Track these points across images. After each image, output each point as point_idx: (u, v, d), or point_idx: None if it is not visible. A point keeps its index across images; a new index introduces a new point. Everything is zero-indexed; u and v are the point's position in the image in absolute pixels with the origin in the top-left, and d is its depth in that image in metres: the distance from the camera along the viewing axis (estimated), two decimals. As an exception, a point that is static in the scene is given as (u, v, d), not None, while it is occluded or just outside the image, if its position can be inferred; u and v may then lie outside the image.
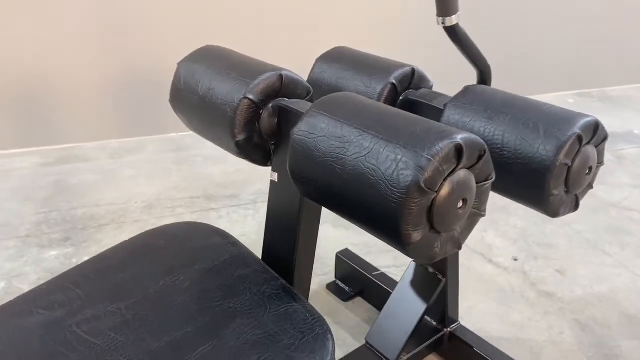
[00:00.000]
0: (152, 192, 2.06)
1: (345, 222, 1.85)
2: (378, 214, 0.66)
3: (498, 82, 2.75)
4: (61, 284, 0.89)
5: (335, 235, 1.83)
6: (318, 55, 1.19)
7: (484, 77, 1.09)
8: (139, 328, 0.80)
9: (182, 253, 0.94)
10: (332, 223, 1.90)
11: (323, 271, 1.65)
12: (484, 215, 0.75)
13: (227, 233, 1.02)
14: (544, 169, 0.82)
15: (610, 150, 2.51)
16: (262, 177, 2.15)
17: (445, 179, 0.65)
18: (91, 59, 2.30)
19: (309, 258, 0.95)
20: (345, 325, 1.46)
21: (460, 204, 0.68)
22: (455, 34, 1.00)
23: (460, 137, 0.65)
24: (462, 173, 0.67)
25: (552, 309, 1.54)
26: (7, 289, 1.55)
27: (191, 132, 2.45)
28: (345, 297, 1.57)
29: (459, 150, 0.64)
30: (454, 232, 0.71)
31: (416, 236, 0.65)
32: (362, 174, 0.67)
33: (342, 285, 1.59)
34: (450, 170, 0.65)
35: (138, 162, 2.29)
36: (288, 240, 0.92)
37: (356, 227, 1.58)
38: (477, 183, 0.70)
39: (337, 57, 1.16)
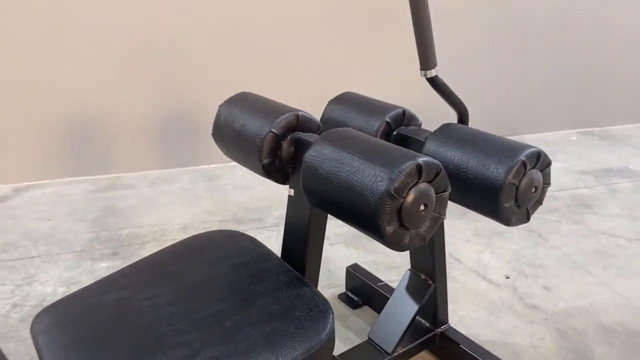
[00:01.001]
0: (187, 216, 2.34)
1: (355, 243, 2.11)
2: (363, 214, 0.92)
3: (506, 120, 3.08)
4: (124, 273, 1.17)
5: (347, 254, 2.07)
6: (331, 97, 1.48)
7: (462, 117, 1.35)
8: (187, 303, 1.06)
9: (219, 251, 1.21)
10: (344, 243, 2.15)
11: (335, 283, 1.89)
12: (443, 218, 0.99)
13: (254, 238, 1.28)
14: (497, 187, 1.07)
15: (605, 184, 2.72)
16: (283, 203, 2.42)
17: (410, 189, 0.91)
18: (135, 100, 2.63)
19: (317, 255, 1.20)
20: (353, 328, 1.69)
21: (422, 208, 0.93)
22: (435, 83, 1.26)
23: (421, 160, 0.91)
24: (423, 185, 0.92)
25: (536, 319, 1.74)
26: (66, 293, 1.83)
27: (221, 164, 2.78)
28: (354, 305, 1.80)
29: (419, 169, 0.90)
30: (419, 229, 0.96)
31: (389, 229, 0.90)
32: (351, 185, 0.93)
33: (352, 296, 1.83)
34: (413, 183, 0.91)
35: (174, 190, 2.59)
36: (301, 241, 1.18)
37: (365, 247, 1.85)
38: (436, 193, 0.95)
39: (345, 100, 1.44)
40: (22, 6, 2.33)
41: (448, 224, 2.28)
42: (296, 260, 1.19)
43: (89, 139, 2.64)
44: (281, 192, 2.36)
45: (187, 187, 2.63)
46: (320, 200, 1.05)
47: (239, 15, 2.63)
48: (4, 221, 2.27)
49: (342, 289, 1.86)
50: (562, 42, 3.29)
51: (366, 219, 0.92)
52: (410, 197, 0.91)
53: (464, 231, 2.26)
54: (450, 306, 1.74)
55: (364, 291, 1.79)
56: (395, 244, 0.93)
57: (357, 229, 0.98)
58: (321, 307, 1.04)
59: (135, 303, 1.07)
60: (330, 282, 1.91)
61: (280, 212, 2.38)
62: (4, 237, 2.15)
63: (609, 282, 1.93)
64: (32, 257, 2.01)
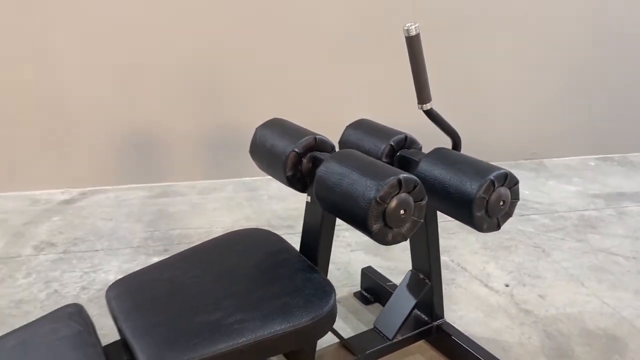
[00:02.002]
0: (229, 220, 2.67)
1: (374, 250, 2.38)
2: (357, 215, 1.21)
3: (525, 144, 3.34)
4: (176, 258, 1.49)
5: (365, 259, 2.34)
6: (349, 122, 1.77)
7: (456, 143, 1.62)
8: (222, 281, 1.37)
9: (250, 244, 1.52)
10: (364, 250, 2.43)
11: (352, 283, 2.17)
12: (421, 222, 1.26)
13: (279, 235, 1.59)
14: (470, 200, 1.33)
15: (614, 207, 2.90)
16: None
17: (392, 197, 1.19)
18: (188, 118, 3.01)
19: (327, 249, 1.49)
20: (364, 321, 1.96)
21: (402, 212, 1.21)
22: (430, 114, 1.54)
23: (401, 175, 1.19)
24: (403, 195, 1.20)
25: (527, 322, 1.97)
26: (126, 280, 2.18)
27: (260, 177, 3.12)
28: (366, 302, 2.07)
29: (399, 182, 1.19)
30: (400, 228, 1.23)
31: (375, 227, 1.19)
32: (350, 193, 1.22)
33: (365, 294, 2.10)
34: (395, 193, 1.19)
35: (219, 198, 2.94)
36: (314, 238, 1.48)
37: (382, 254, 2.13)
38: (414, 201, 1.23)
39: (359, 125, 1.73)
40: (104, 33, 2.75)
41: (460, 237, 2.54)
42: (310, 253, 1.49)
43: (146, 151, 3.03)
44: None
45: (230, 195, 2.97)
46: (328, 205, 1.34)
47: (276, 53, 2.98)
48: (74, 220, 2.66)
49: (358, 288, 2.14)
50: (583, 69, 3.48)
51: (359, 219, 1.21)
52: (393, 204, 1.20)
53: (474, 244, 2.50)
54: (451, 307, 2.00)
55: (376, 290, 2.06)
56: (380, 240, 1.22)
57: (354, 227, 1.27)
58: (326, 289, 1.33)
59: (184, 280, 1.39)
60: (348, 282, 2.19)
61: (309, 221, 2.68)
62: (74, 232, 2.53)
63: (600, 293, 2.14)
64: (96, 250, 2.38)
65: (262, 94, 3.03)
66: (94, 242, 2.44)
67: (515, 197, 1.41)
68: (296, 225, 2.64)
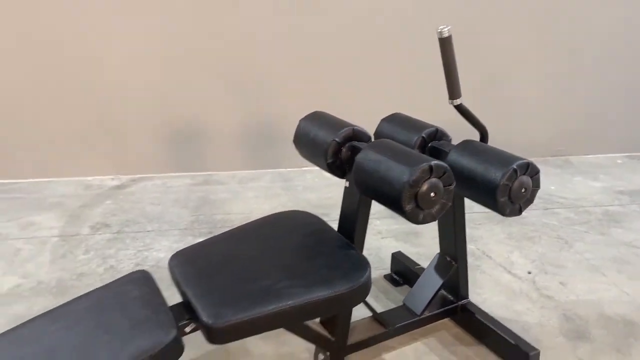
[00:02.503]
0: (267, 207, 2.85)
1: (404, 237, 2.53)
2: (392, 197, 1.36)
3: (552, 141, 3.44)
4: (229, 233, 1.67)
5: (396, 245, 2.49)
6: (384, 116, 1.92)
7: (483, 136, 1.76)
8: (270, 255, 1.54)
9: (293, 223, 1.70)
10: (394, 237, 2.58)
11: (383, 267, 2.32)
12: (450, 204, 1.41)
13: (318, 217, 1.75)
14: (495, 186, 1.48)
15: (639, 203, 2.98)
16: (346, 203, 2.89)
17: (424, 181, 1.34)
18: (229, 112, 3.20)
19: (363, 229, 1.65)
20: (394, 301, 2.11)
21: (432, 195, 1.36)
22: (460, 109, 1.68)
23: (432, 162, 1.34)
24: (434, 180, 1.35)
25: (548, 306, 2.10)
26: (174, 259, 2.37)
27: (296, 169, 3.29)
28: (396, 284, 2.23)
29: (431, 168, 1.34)
30: (431, 210, 1.39)
31: (408, 208, 1.34)
32: (385, 178, 1.38)
33: (395, 276, 2.26)
34: (426, 177, 1.34)
35: (257, 187, 3.12)
36: (352, 219, 1.64)
37: (412, 241, 2.28)
38: (444, 186, 1.38)
39: (393, 119, 1.88)
40: (155, 28, 2.96)
41: (486, 227, 2.67)
42: (348, 233, 1.65)
43: (191, 142, 3.23)
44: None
45: (267, 185, 3.16)
46: (365, 189, 1.50)
47: (314, 49, 3.15)
48: (125, 204, 2.88)
49: (388, 271, 2.29)
50: (612, 66, 3.55)
51: (394, 200, 1.37)
52: (424, 187, 1.35)
53: (499, 234, 2.63)
54: (476, 290, 2.14)
55: (405, 273, 2.21)
56: (413, 219, 1.37)
57: (388, 208, 1.43)
58: (362, 263, 1.49)
59: (236, 252, 1.57)
60: (380, 265, 2.34)
61: (342, 210, 2.84)
62: (126, 215, 2.75)
63: (619, 283, 2.25)
64: (148, 231, 2.59)
65: (299, 89, 3.20)
66: (145, 224, 2.65)
67: (536, 185, 1.54)
68: (330, 213, 2.80)
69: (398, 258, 2.25)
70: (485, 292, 2.17)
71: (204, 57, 3.05)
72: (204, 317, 1.31)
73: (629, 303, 2.12)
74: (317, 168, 3.29)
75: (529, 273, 2.31)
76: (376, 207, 2.78)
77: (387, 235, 2.60)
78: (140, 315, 1.34)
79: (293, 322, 1.45)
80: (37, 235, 2.52)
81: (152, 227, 2.62)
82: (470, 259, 2.35)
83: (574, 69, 3.51)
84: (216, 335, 1.32)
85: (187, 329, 1.38)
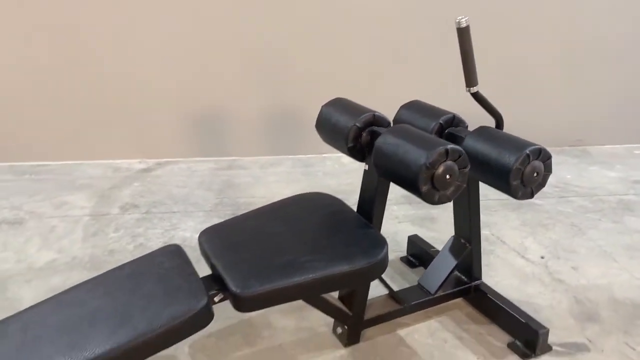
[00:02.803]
0: (288, 192, 2.94)
1: (420, 222, 2.62)
2: (409, 179, 1.44)
3: (570, 131, 3.48)
4: (255, 212, 1.77)
5: (412, 229, 2.57)
6: (403, 103, 2.00)
7: (499, 122, 1.82)
8: (293, 232, 1.64)
9: (315, 204, 1.79)
10: (411, 222, 2.66)
11: (399, 249, 2.41)
12: (464, 186, 1.49)
13: (338, 198, 1.85)
14: (508, 170, 1.55)
15: (654, 192, 3.02)
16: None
17: (440, 164, 1.42)
18: (251, 99, 3.30)
19: (381, 210, 1.73)
20: (409, 281, 2.20)
21: (448, 177, 1.44)
22: (477, 96, 1.75)
23: (448, 146, 1.42)
24: (449, 162, 1.43)
25: (559, 289, 2.17)
26: (200, 238, 2.49)
27: (315, 155, 3.38)
28: (412, 266, 2.31)
29: (446, 151, 1.42)
30: (446, 191, 1.47)
31: (424, 189, 1.42)
32: (403, 160, 1.46)
33: (411, 259, 2.34)
34: (442, 160, 1.42)
35: (278, 172, 3.22)
36: (370, 200, 1.72)
37: (427, 226, 2.35)
38: (459, 169, 1.46)
39: (412, 106, 1.96)
40: (182, 16, 3.06)
41: (501, 214, 2.73)
42: (367, 213, 1.74)
43: (215, 128, 3.34)
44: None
45: (288, 170, 3.26)
46: (384, 171, 1.59)
47: (338, 39, 3.22)
48: (152, 186, 3.00)
49: (405, 254, 2.38)
50: (631, 58, 3.56)
51: (411, 182, 1.45)
52: (440, 169, 1.43)
53: (514, 221, 2.69)
54: (489, 273, 2.22)
55: (420, 255, 2.30)
56: (428, 199, 1.46)
57: (405, 189, 1.51)
58: (380, 241, 1.58)
59: (262, 229, 1.67)
60: (396, 248, 2.42)
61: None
62: (153, 197, 2.87)
63: (630, 268, 2.30)
64: (174, 212, 2.71)
65: (321, 77, 3.28)
66: (171, 206, 2.77)
67: (548, 170, 1.61)
68: (349, 198, 2.85)
69: (414, 241, 2.34)
70: (499, 275, 2.24)
71: (230, 44, 3.15)
72: (232, 287, 1.42)
73: (638, 288, 2.17)
74: (336, 155, 3.40)
75: (542, 258, 2.38)
76: (393, 194, 2.86)
77: (404, 220, 2.69)
78: (174, 284, 1.45)
79: (314, 293, 1.55)
80: (70, 214, 2.66)
81: (178, 209, 2.74)
82: (484, 244, 2.42)
83: (594, 59, 3.53)
84: (243, 304, 1.42)
85: (216, 299, 1.48)
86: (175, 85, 3.20)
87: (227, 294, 1.46)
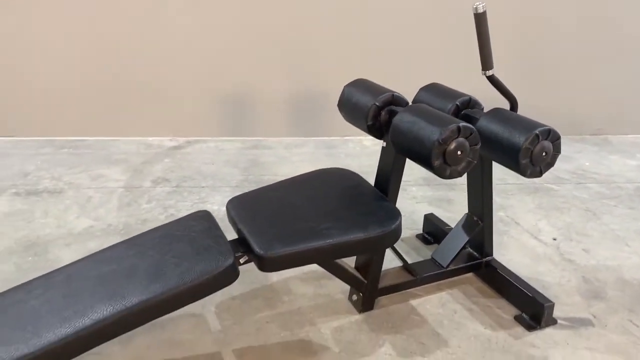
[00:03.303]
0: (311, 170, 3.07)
1: (437, 203, 2.72)
2: (423, 154, 1.55)
3: (592, 120, 3.54)
4: (277, 185, 1.90)
5: (429, 209, 2.66)
6: (423, 85, 2.09)
7: (513, 105, 1.90)
8: (314, 203, 1.76)
9: (335, 178, 1.91)
10: (428, 202, 2.75)
11: (415, 227, 2.51)
12: (475, 162, 1.59)
13: (357, 174, 1.96)
14: (517, 149, 1.63)
15: (672, 181, 3.05)
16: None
17: (452, 140, 1.52)
18: (277, 81, 3.41)
19: (396, 184, 1.83)
20: (424, 256, 2.30)
21: (459, 153, 1.54)
22: (492, 80, 1.83)
23: (460, 124, 1.52)
24: (461, 139, 1.53)
25: (569, 269, 2.24)
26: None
27: (338, 137, 3.49)
28: (427, 243, 2.41)
29: (459, 129, 1.51)
30: (457, 166, 1.57)
31: (437, 164, 1.52)
32: (418, 137, 1.56)
33: (426, 236, 2.44)
34: (454, 137, 1.52)
35: (302, 153, 3.34)
36: (387, 175, 1.83)
37: (444, 207, 2.45)
38: (470, 146, 1.55)
39: (431, 88, 2.05)
40: (214, 6, 3.19)
41: (517, 198, 2.81)
42: (383, 188, 1.85)
43: (242, 109, 3.47)
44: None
45: (311, 151, 3.37)
46: (400, 148, 1.69)
47: (355, 26, 3.31)
48: (182, 162, 3.15)
49: (420, 231, 2.48)
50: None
51: (424, 157, 1.55)
52: (452, 146, 1.53)
53: (529, 204, 2.76)
54: (501, 252, 2.31)
55: (435, 233, 2.39)
56: (440, 174, 1.56)
57: (420, 164, 1.62)
58: (394, 212, 1.69)
59: (285, 199, 1.79)
60: (413, 226, 2.53)
61: (381, 176, 3.03)
62: (183, 172, 3.02)
63: (641, 252, 2.37)
64: (202, 187, 2.86)
65: (344, 61, 3.38)
66: (200, 181, 2.92)
67: (557, 150, 1.69)
68: (368, 178, 2.97)
69: (430, 219, 2.44)
70: (510, 254, 2.33)
71: (259, 29, 3.27)
72: (257, 249, 1.55)
73: (647, 270, 2.24)
74: (358, 138, 3.51)
75: (554, 240, 2.45)
76: (412, 176, 2.96)
77: (421, 200, 2.78)
78: (204, 245, 1.59)
79: (331, 257, 1.67)
80: (106, 186, 2.83)
81: (206, 184, 2.89)
82: (499, 225, 2.52)
83: (617, 49, 3.54)
84: (266, 264, 1.55)
85: (241, 260, 1.61)
86: (205, 68, 3.33)
87: (252, 256, 1.59)
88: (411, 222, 2.56)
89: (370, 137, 3.47)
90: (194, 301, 1.51)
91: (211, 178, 2.96)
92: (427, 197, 2.81)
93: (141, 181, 2.89)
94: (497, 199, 2.76)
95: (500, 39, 2.96)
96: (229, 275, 1.52)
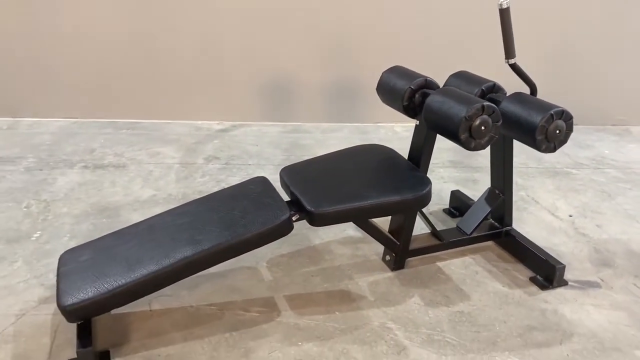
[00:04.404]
0: (346, 153, 3.35)
1: (463, 182, 2.97)
2: (451, 129, 1.81)
3: (613, 110, 3.75)
4: (322, 157, 2.19)
5: (456, 188, 2.93)
6: (452, 72, 2.34)
7: (533, 90, 2.15)
8: (355, 170, 2.05)
9: (372, 153, 2.19)
10: (454, 182, 3.01)
11: (442, 203, 2.77)
12: (496, 137, 1.84)
13: (392, 149, 2.23)
14: (534, 127, 1.89)
15: (687, 168, 3.24)
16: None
17: (477, 117, 1.78)
18: (315, 70, 3.70)
19: (427, 158, 2.10)
20: (450, 227, 2.56)
21: (483, 128, 1.80)
22: (514, 67, 2.08)
23: (484, 103, 1.78)
24: (484, 116, 1.79)
25: (582, 241, 2.48)
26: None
27: (371, 124, 3.78)
28: (453, 216, 2.67)
29: (483, 107, 1.78)
30: (481, 140, 1.83)
31: (463, 137, 1.79)
32: (448, 114, 1.83)
33: (452, 210, 2.70)
34: (479, 114, 1.78)
35: (337, 137, 3.63)
36: (419, 150, 2.10)
37: (469, 186, 2.72)
38: (492, 122, 1.82)
39: (460, 75, 2.30)
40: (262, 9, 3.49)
41: (538, 180, 3.05)
42: (416, 161, 2.12)
43: (283, 95, 3.77)
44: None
45: (346, 136, 3.65)
46: (432, 124, 1.96)
47: (389, 21, 3.57)
48: (229, 143, 3.47)
49: (446, 205, 2.74)
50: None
51: (452, 131, 1.82)
52: (477, 122, 1.79)
53: (549, 186, 3.00)
54: (521, 225, 2.55)
55: (460, 207, 2.65)
56: (466, 146, 1.82)
57: (448, 138, 1.88)
58: (425, 180, 1.97)
59: (330, 168, 2.09)
60: (440, 202, 2.79)
61: (411, 158, 3.29)
62: (231, 152, 3.33)
63: (650, 229, 2.59)
64: (249, 165, 3.16)
65: (378, 54, 3.64)
66: (247, 159, 3.23)
67: (569, 128, 1.94)
68: (400, 160, 3.26)
69: (456, 195, 2.70)
70: (529, 227, 2.57)
71: (300, 21, 3.55)
72: (308, 206, 1.84)
73: (655, 244, 2.47)
74: (389, 124, 3.79)
75: (570, 216, 2.69)
76: (441, 159, 3.22)
77: (448, 180, 3.04)
78: (263, 202, 1.89)
79: (370, 216, 1.95)
80: (163, 162, 3.16)
81: (252, 162, 3.19)
82: (519, 203, 2.77)
83: (634, 37, 3.72)
84: (315, 220, 1.84)
85: (294, 218, 1.90)
86: (249, 59, 3.63)
87: (303, 214, 1.88)
88: (439, 198, 2.82)
89: (401, 124, 3.77)
90: (256, 247, 1.81)
91: (256, 157, 3.26)
92: (453, 177, 3.07)
93: (194, 158, 3.22)
94: (519, 180, 3.01)
95: (530, 34, 3.20)
96: (285, 227, 1.82)
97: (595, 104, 3.87)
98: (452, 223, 2.60)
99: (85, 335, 1.66)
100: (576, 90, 3.80)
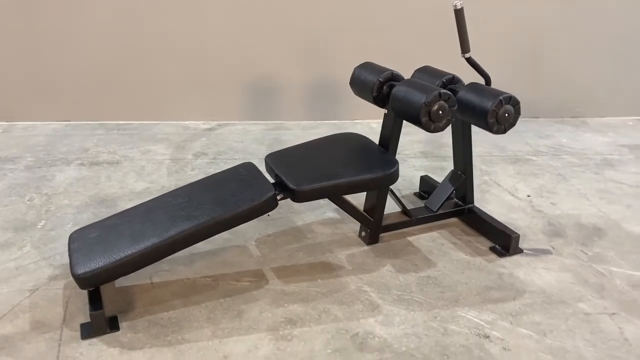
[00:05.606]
0: (325, 147, 3.60)
1: (432, 171, 3.23)
2: (413, 114, 2.08)
3: (571, 103, 4.10)
4: (302, 145, 2.44)
5: (426, 173, 3.20)
6: (417, 67, 2.62)
7: (487, 81, 2.43)
8: (331, 155, 2.30)
9: (346, 139, 2.45)
10: (425, 170, 3.28)
11: (413, 188, 3.04)
12: (453, 120, 2.12)
13: (365, 136, 2.50)
14: (486, 111, 2.16)
15: (637, 155, 3.56)
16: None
17: (435, 103, 2.06)
18: (294, 70, 3.96)
19: (395, 142, 2.37)
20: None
21: (440, 112, 2.07)
22: (470, 61, 2.36)
23: (441, 90, 2.06)
24: (441, 102, 2.06)
25: (537, 217, 2.77)
26: (256, 177, 3.17)
27: (348, 121, 4.07)
28: (422, 198, 2.94)
29: (440, 94, 2.05)
30: (439, 123, 2.10)
31: (424, 120, 2.06)
32: (410, 101, 2.10)
33: (422, 193, 2.97)
34: (436, 100, 2.06)
35: (317, 133, 3.87)
36: (388, 135, 2.37)
37: (438, 173, 3.03)
38: (449, 107, 2.09)
39: (424, 69, 2.58)
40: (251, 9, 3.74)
41: (500, 166, 3.34)
42: (385, 145, 2.38)
43: (265, 96, 4.02)
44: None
45: (325, 132, 3.90)
46: (397, 112, 2.23)
47: (363, 19, 3.85)
48: (216, 140, 3.70)
49: (416, 189, 3.01)
50: (629, 31, 4.07)
51: (414, 116, 2.09)
52: (435, 107, 2.07)
53: (510, 171, 3.29)
54: (483, 204, 2.83)
55: (429, 191, 2.91)
56: (427, 128, 2.09)
57: (411, 123, 2.15)
58: (393, 161, 2.23)
59: (308, 154, 2.34)
60: (411, 186, 3.06)
61: (385, 150, 3.56)
62: (218, 148, 3.57)
63: (599, 205, 2.88)
64: (235, 159, 3.40)
65: (352, 54, 3.91)
66: (233, 154, 3.47)
67: (517, 112, 2.22)
68: (375, 152, 3.53)
69: (425, 179, 2.97)
70: (490, 206, 2.85)
71: (279, 27, 3.82)
72: (291, 185, 2.09)
73: (601, 217, 2.76)
74: (366, 120, 4.06)
75: (528, 196, 2.98)
76: (412, 150, 3.48)
77: (419, 169, 3.31)
78: (251, 183, 2.14)
79: (345, 193, 2.21)
80: (155, 158, 3.38)
81: (238, 157, 3.43)
82: (482, 186, 3.05)
83: (594, 35, 4.05)
84: (297, 196, 2.09)
85: (279, 197, 2.15)
86: (232, 61, 3.89)
87: (287, 193, 2.13)
88: (410, 184, 3.09)
89: (376, 120, 4.03)
90: (246, 221, 2.05)
91: (242, 152, 3.50)
92: (423, 166, 3.34)
93: (184, 155, 3.45)
94: (483, 167, 3.30)
95: (495, 37, 3.51)
96: (271, 203, 2.07)
97: (556, 98, 4.19)
98: (421, 205, 2.86)
99: (96, 300, 1.88)
100: (538, 85, 4.12)
